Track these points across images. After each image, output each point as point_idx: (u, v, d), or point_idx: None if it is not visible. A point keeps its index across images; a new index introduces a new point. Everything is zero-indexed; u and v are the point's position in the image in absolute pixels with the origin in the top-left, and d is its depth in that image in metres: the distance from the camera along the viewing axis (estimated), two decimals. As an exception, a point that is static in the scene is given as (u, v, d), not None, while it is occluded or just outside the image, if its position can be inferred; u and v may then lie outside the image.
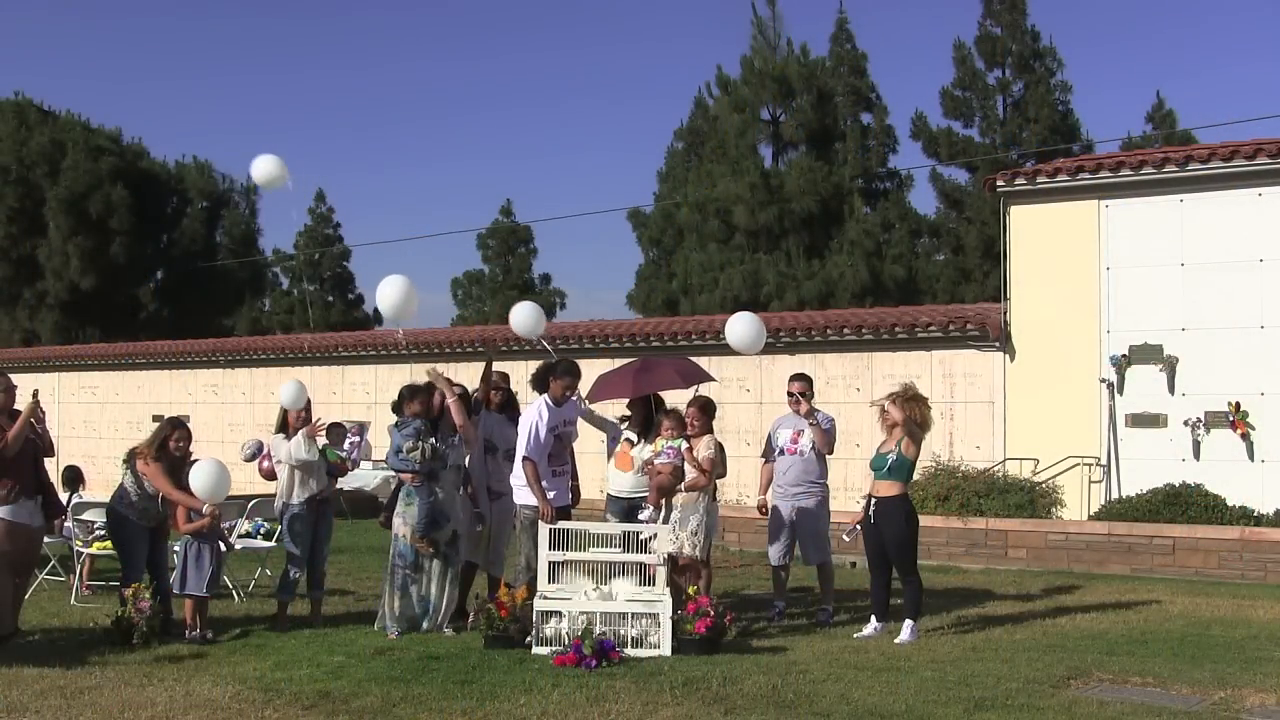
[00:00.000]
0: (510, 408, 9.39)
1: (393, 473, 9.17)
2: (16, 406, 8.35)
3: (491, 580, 9.09)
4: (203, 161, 39.63)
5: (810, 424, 9.46)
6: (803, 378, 9.76)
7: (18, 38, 65.69)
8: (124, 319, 35.88)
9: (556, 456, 8.93)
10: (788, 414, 9.74)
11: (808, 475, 9.53)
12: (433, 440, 8.56)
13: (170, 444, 8.68)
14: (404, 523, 8.55)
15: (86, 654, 7.75)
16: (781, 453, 9.63)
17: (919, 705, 6.40)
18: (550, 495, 8.72)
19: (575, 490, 9.31)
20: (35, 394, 8.38)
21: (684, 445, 8.67)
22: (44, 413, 8.50)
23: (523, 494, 8.78)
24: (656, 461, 8.62)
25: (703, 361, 11.25)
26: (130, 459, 8.83)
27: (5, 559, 8.02)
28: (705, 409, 9.12)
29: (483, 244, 41.94)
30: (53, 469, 11.32)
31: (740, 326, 9.43)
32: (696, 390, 9.51)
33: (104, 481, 13.29)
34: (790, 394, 9.62)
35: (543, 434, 8.81)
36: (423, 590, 8.62)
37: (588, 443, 9.60)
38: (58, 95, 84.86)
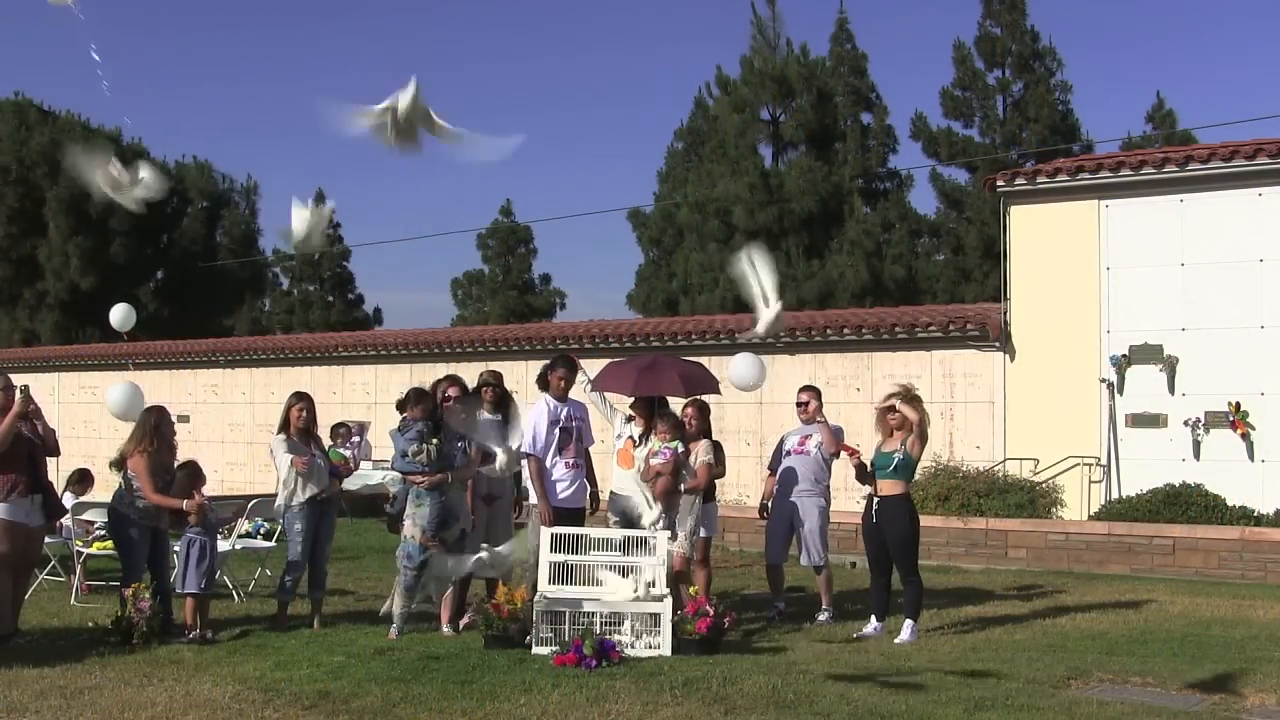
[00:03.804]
0: (505, 407, 9.36)
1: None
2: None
3: (491, 581, 9.09)
4: (203, 161, 39.70)
5: (819, 420, 9.57)
6: (811, 389, 9.92)
7: (18, 38, 65.71)
8: (124, 319, 35.83)
9: (567, 449, 8.95)
10: (797, 425, 9.90)
11: (813, 475, 9.58)
12: (435, 441, 8.55)
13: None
14: (413, 524, 8.54)
15: (86, 654, 7.74)
16: (789, 454, 9.69)
17: (919, 705, 6.39)
18: (562, 491, 8.85)
19: (594, 496, 9.33)
20: (25, 389, 8.26)
21: (679, 448, 8.68)
22: (36, 407, 8.41)
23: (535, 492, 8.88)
24: (652, 462, 8.64)
25: (703, 362, 11.27)
26: (119, 463, 8.79)
27: (3, 558, 8.00)
28: (704, 411, 9.21)
29: (482, 244, 41.96)
30: (62, 470, 11.33)
31: (741, 368, 9.62)
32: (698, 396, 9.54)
33: (103, 482, 13.25)
34: (800, 403, 9.79)
35: (542, 429, 8.86)
36: (425, 583, 8.66)
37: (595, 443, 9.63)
38: (58, 95, 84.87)
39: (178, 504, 8.47)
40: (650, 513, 8.47)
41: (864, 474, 8.83)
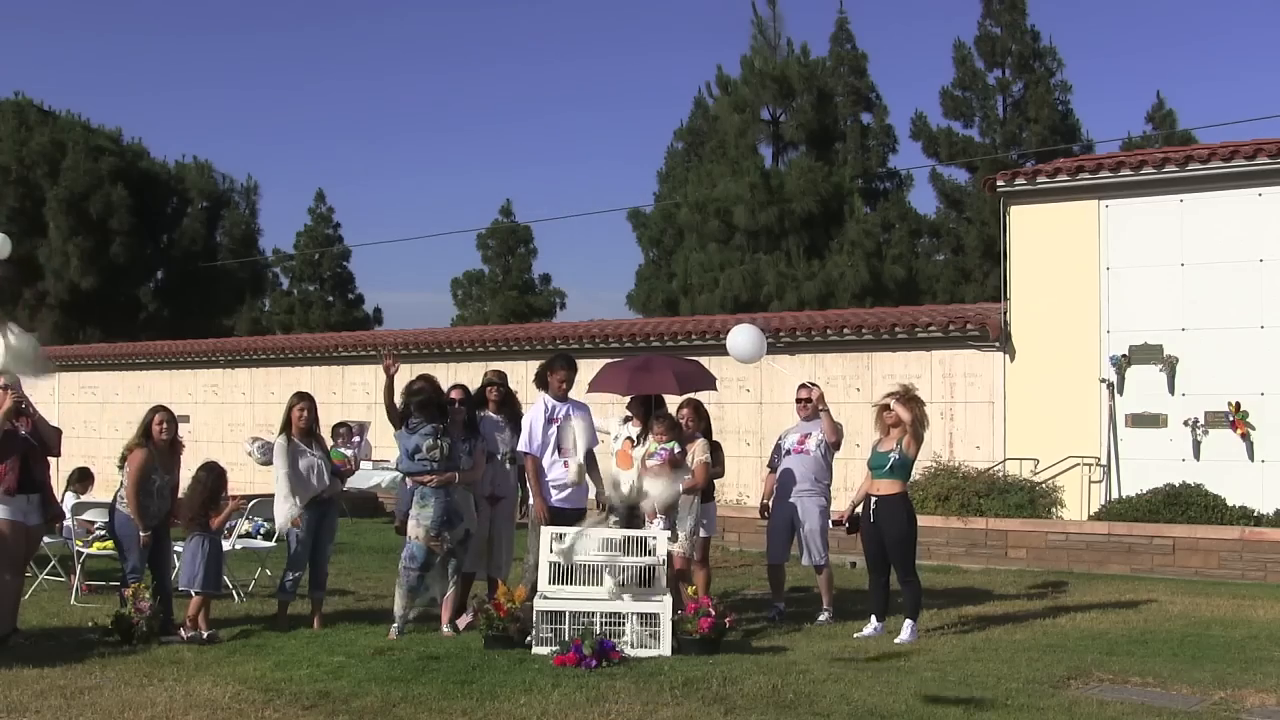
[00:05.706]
0: (508, 407, 9.36)
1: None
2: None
3: (491, 581, 9.09)
4: (203, 161, 39.72)
5: (822, 409, 9.55)
6: (811, 386, 9.91)
7: (18, 38, 65.70)
8: (124, 319, 35.89)
9: (567, 449, 8.95)
10: (796, 423, 9.87)
11: (813, 474, 9.56)
12: (448, 440, 8.54)
13: (153, 428, 8.64)
14: (418, 524, 8.53)
15: (86, 654, 7.74)
16: (788, 453, 9.67)
17: (919, 705, 6.39)
18: (560, 490, 8.81)
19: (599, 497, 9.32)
20: (14, 385, 8.20)
21: (676, 449, 8.67)
22: (29, 404, 8.35)
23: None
24: (649, 463, 8.63)
25: (703, 361, 11.26)
26: (124, 460, 8.79)
27: (4, 555, 7.99)
28: (699, 410, 9.21)
29: (483, 244, 41.97)
30: (63, 470, 11.27)
31: (740, 338, 9.50)
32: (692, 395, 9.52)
33: (104, 482, 13.27)
34: (800, 399, 9.77)
35: (538, 429, 8.85)
36: (428, 583, 8.66)
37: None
38: (58, 95, 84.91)
39: (139, 527, 8.42)
40: (623, 487, 8.44)
41: (854, 529, 8.92)
